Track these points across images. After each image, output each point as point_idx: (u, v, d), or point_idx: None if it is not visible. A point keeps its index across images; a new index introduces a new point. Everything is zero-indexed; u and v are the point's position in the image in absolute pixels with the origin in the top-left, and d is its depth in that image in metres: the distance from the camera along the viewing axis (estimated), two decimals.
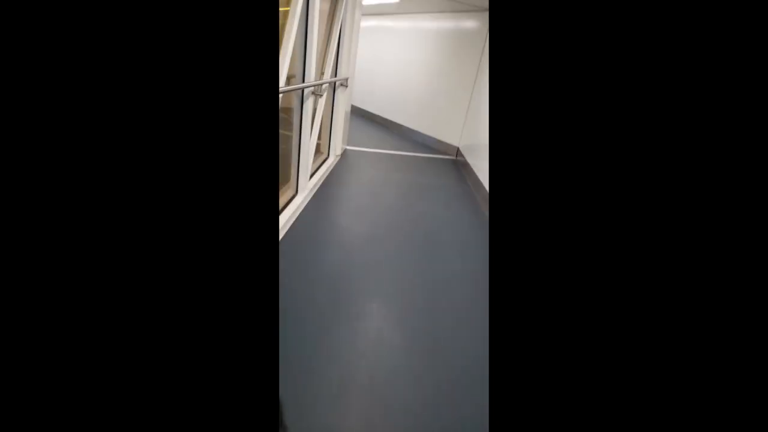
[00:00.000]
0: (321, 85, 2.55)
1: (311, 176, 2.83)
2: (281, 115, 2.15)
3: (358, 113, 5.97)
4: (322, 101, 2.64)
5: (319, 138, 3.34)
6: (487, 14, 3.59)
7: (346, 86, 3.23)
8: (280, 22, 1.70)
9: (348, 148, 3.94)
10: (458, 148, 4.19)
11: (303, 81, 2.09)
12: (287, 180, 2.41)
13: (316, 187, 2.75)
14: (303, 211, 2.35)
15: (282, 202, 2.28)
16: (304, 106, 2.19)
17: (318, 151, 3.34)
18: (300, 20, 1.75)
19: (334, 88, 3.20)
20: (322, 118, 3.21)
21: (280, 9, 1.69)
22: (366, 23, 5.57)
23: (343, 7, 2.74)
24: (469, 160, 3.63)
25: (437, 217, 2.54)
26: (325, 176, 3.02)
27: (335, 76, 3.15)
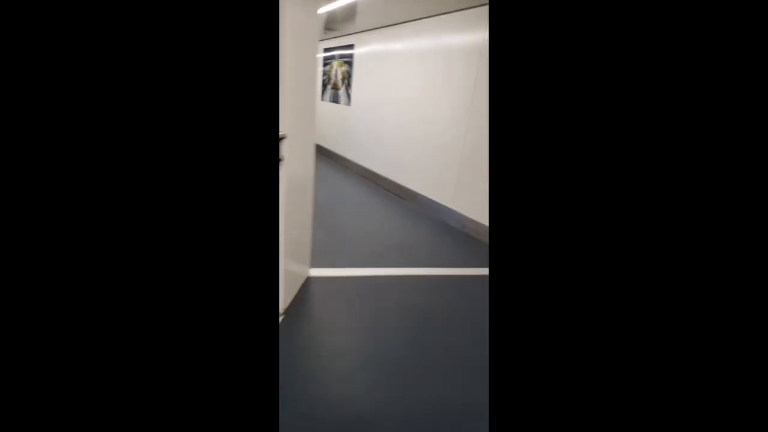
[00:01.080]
0: None
1: None
2: None
3: (360, 173, 4.16)
4: None
5: None
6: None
7: (283, 158, 1.35)
8: None
9: (313, 275, 1.95)
10: None
11: None
12: None
13: None
14: None
15: None
16: None
17: None
18: None
19: None
20: None
21: None
22: (362, 49, 3.89)
23: None
24: None
25: None
26: None
27: None
